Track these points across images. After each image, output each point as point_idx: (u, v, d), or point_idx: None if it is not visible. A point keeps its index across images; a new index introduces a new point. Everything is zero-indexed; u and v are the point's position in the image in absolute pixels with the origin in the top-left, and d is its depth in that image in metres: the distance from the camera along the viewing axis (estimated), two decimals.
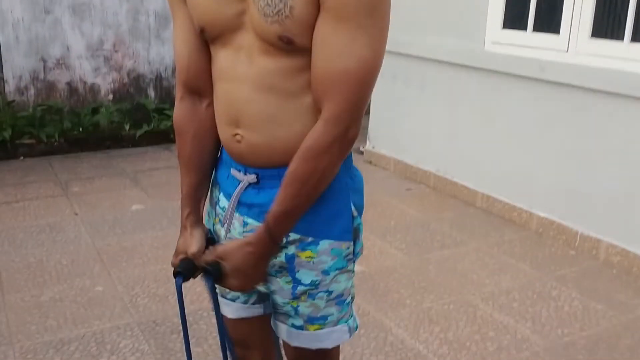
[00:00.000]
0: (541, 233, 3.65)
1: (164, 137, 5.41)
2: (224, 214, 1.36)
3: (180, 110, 1.39)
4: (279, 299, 1.36)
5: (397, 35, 1.20)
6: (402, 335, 2.59)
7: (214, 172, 1.42)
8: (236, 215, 1.33)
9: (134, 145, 5.32)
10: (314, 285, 1.32)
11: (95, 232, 3.56)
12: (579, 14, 3.33)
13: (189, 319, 2.63)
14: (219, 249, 1.28)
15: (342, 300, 1.37)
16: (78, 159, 4.96)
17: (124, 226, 3.65)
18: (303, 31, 1.13)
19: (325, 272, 1.32)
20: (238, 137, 1.26)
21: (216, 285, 1.35)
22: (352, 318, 1.43)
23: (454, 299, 2.89)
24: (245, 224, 1.32)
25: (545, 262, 3.30)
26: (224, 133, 1.30)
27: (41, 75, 5.22)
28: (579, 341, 2.58)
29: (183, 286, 1.33)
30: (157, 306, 2.76)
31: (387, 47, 1.19)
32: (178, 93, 1.39)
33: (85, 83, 5.40)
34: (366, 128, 4.93)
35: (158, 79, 5.67)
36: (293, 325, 1.37)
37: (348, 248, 1.33)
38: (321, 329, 1.37)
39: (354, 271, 1.38)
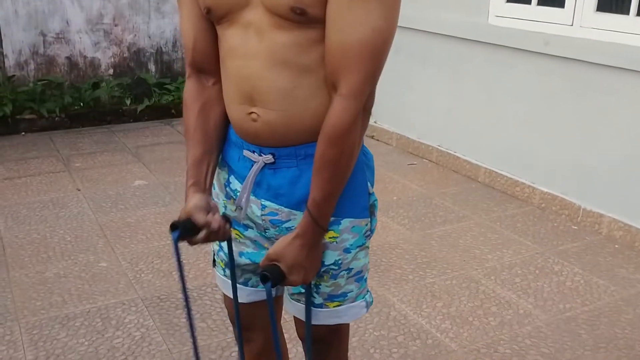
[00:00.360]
0: (544, 208, 3.65)
1: (165, 112, 5.38)
2: (237, 197, 1.35)
3: (188, 88, 1.38)
4: None
5: (400, 9, 1.18)
6: (405, 311, 2.60)
7: (221, 154, 1.40)
8: (252, 198, 1.32)
9: (135, 120, 5.30)
10: (337, 264, 1.33)
11: (98, 207, 3.56)
12: None
13: (192, 294, 2.65)
14: (270, 251, 1.26)
15: (361, 277, 1.39)
16: (79, 134, 4.95)
17: (126, 202, 3.66)
18: (316, 1, 1.11)
19: (347, 250, 1.33)
20: (254, 115, 1.24)
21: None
22: (369, 293, 1.45)
23: (456, 274, 2.91)
24: (263, 207, 1.31)
25: (547, 237, 3.31)
26: (237, 112, 1.28)
27: (41, 50, 5.17)
28: (580, 316, 2.59)
29: (187, 263, 1.33)
30: (161, 282, 2.78)
31: None
32: (187, 72, 1.38)
33: (85, 57, 5.36)
34: None
35: (158, 53, 5.62)
36: (312, 304, 1.37)
37: (367, 225, 1.34)
38: (340, 305, 1.38)
39: (369, 247, 1.40)
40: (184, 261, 1.37)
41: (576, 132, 3.43)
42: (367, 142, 1.43)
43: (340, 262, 1.33)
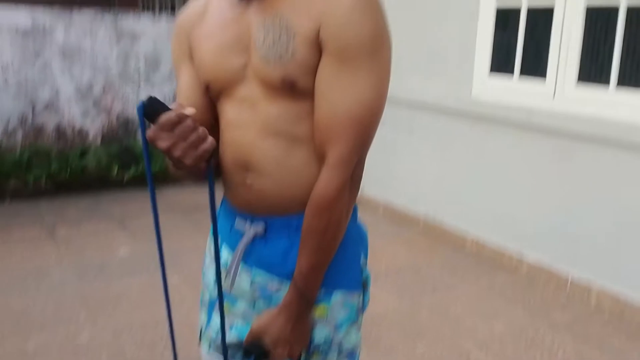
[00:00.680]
0: (532, 277, 3.64)
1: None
2: (227, 266, 1.33)
3: None
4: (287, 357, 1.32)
5: (389, 81, 1.21)
6: None
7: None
8: (242, 267, 1.30)
9: (122, 188, 5.29)
10: (328, 342, 1.29)
11: (82, 276, 3.50)
12: (565, 60, 3.40)
13: None
14: (253, 326, 1.23)
15: (352, 356, 1.35)
16: (65, 202, 4.92)
17: (110, 271, 3.60)
18: (306, 74, 1.14)
19: (338, 326, 1.29)
20: (248, 181, 1.25)
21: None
22: None
23: (446, 345, 2.86)
24: (253, 278, 1.29)
25: (537, 307, 3.29)
26: (233, 179, 1.28)
27: (30, 119, 5.20)
28: None
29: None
30: (146, 354, 2.70)
31: None
32: None
33: (73, 126, 5.39)
34: None
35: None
36: None
37: (359, 299, 1.31)
38: None
39: (361, 323, 1.36)
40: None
41: (561, 201, 3.47)
42: None
43: (331, 339, 1.29)
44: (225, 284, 1.32)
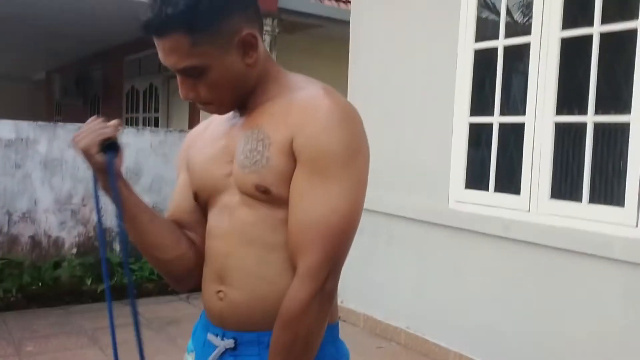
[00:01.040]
0: None
1: (125, 292, 5.24)
2: None
3: None
4: None
5: (365, 191, 1.24)
6: None
7: (190, 338, 1.37)
8: None
9: (94, 300, 5.14)
10: None
11: None
12: (538, 176, 3.49)
13: None
14: None
15: None
16: (35, 316, 4.75)
17: None
18: (279, 181, 1.15)
19: None
20: (220, 294, 1.24)
21: None
22: None
23: None
24: None
25: None
26: (207, 290, 1.28)
27: (5, 229, 5.13)
28: None
29: None
30: None
31: None
32: None
33: (49, 236, 5.32)
34: None
35: (125, 233, 5.62)
36: None
37: None
38: None
39: None
40: None
41: (541, 314, 3.44)
42: None
43: None
44: None
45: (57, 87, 10.67)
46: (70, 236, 5.40)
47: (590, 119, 3.25)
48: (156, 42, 1.17)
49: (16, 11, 6.96)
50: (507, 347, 3.63)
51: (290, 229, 1.16)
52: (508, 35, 3.74)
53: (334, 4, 7.54)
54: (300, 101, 1.18)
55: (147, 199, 5.67)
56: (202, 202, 1.31)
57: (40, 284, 5.03)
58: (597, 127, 3.26)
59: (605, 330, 3.14)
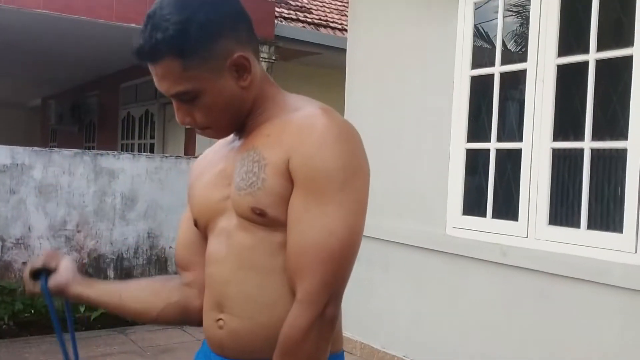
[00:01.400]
0: None
1: (119, 319, 5.17)
2: None
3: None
4: None
5: (364, 215, 1.21)
6: None
7: None
8: None
9: (87, 328, 5.07)
10: None
11: None
12: (535, 202, 3.49)
13: None
14: None
15: None
16: (27, 344, 4.67)
17: None
18: (276, 203, 1.13)
19: None
20: (220, 322, 1.21)
21: None
22: None
23: None
24: None
25: None
26: (207, 319, 1.26)
27: None
28: None
29: None
30: None
31: None
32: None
33: None
34: None
35: (119, 259, 5.58)
36: None
37: None
38: None
39: None
40: None
41: (538, 341, 3.40)
42: None
43: None
44: None
45: (52, 114, 10.67)
46: None
47: (587, 144, 3.25)
48: (150, 67, 1.18)
49: (12, 38, 7.00)
50: None
51: (289, 252, 1.14)
52: (504, 62, 3.77)
53: (330, 32, 7.62)
54: (296, 121, 1.17)
55: (143, 225, 5.64)
56: (202, 228, 1.29)
57: (32, 311, 4.97)
58: (594, 152, 3.27)
59: (604, 357, 3.10)
